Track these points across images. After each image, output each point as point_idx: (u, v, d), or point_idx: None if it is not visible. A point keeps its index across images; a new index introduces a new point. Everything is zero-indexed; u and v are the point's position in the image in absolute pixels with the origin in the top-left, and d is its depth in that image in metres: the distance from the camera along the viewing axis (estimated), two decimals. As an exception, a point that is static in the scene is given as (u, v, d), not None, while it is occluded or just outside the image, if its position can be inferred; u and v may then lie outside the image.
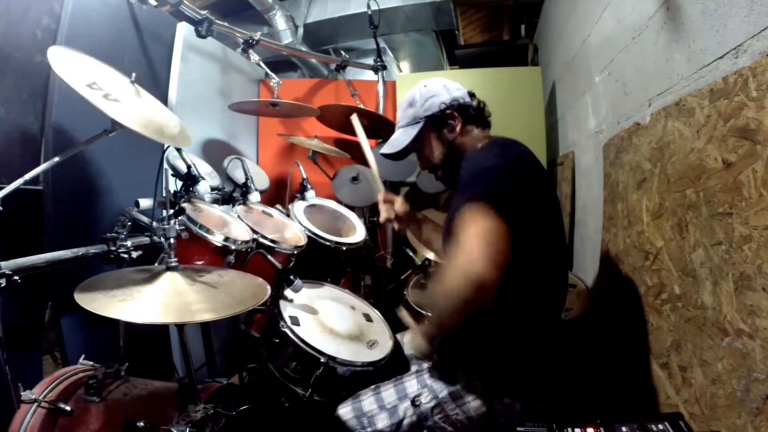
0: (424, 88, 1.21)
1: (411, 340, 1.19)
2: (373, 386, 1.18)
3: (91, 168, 1.62)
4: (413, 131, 1.20)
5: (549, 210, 1.11)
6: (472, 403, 1.07)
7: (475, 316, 1.09)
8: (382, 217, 1.40)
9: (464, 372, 1.11)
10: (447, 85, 1.21)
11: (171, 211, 1.20)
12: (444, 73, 3.87)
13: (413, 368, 1.35)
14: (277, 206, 1.97)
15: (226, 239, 1.41)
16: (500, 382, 1.08)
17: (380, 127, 2.44)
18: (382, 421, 1.10)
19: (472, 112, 1.20)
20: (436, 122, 1.19)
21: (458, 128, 1.18)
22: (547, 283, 1.11)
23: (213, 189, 1.76)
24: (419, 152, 1.26)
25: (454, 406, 1.08)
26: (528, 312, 1.08)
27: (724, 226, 0.90)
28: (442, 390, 1.10)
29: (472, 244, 0.90)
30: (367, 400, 1.14)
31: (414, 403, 1.10)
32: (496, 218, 0.92)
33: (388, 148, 1.26)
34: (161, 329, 1.83)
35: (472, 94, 1.24)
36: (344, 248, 1.86)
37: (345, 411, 1.15)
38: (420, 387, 1.12)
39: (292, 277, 1.39)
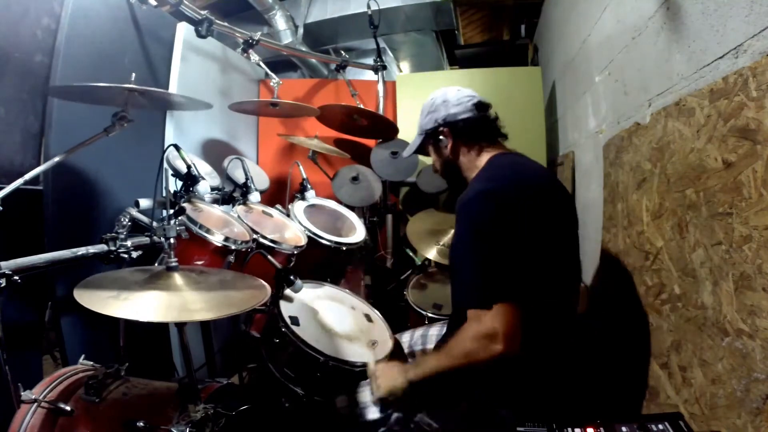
0: (430, 101, 1.25)
1: (386, 378, 1.09)
2: (369, 379, 1.19)
3: (91, 168, 1.62)
4: (417, 141, 1.30)
5: (550, 224, 1.09)
6: (460, 404, 1.08)
7: None
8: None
9: (457, 374, 1.11)
10: (448, 100, 1.21)
11: (171, 211, 1.19)
12: (444, 74, 3.87)
13: None
14: (277, 206, 1.97)
15: (226, 239, 1.41)
16: (487, 383, 1.08)
17: (380, 128, 2.45)
18: (373, 413, 1.12)
19: (468, 130, 1.20)
20: (432, 138, 1.25)
21: (449, 147, 1.22)
22: (549, 288, 1.09)
23: (213, 189, 1.76)
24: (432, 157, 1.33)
25: (441, 405, 1.09)
26: (529, 319, 1.07)
27: (724, 226, 0.90)
28: (432, 388, 1.10)
29: (491, 322, 0.95)
30: (362, 392, 1.17)
31: None
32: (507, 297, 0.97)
33: (406, 150, 1.39)
34: (161, 329, 1.83)
35: (482, 106, 1.22)
36: (344, 248, 1.86)
37: (340, 400, 1.17)
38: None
39: (292, 277, 1.39)
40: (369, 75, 2.92)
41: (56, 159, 1.20)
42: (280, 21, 3.75)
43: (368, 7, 2.54)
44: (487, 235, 1.00)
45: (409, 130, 2.53)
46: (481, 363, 0.97)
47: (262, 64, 2.47)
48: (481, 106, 1.22)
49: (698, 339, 0.98)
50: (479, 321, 0.96)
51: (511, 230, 1.00)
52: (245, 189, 1.83)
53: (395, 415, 1.10)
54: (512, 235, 1.00)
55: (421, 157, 2.44)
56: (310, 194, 2.12)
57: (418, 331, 1.46)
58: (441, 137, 1.22)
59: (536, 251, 1.03)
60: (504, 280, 0.97)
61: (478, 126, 1.21)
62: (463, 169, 1.24)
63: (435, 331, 1.44)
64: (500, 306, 0.95)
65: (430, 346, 1.39)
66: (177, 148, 1.30)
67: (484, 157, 1.20)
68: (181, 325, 1.05)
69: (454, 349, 1.01)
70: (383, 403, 1.10)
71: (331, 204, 2.20)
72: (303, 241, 1.73)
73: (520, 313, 0.96)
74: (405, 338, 1.45)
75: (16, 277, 1.02)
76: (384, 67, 2.78)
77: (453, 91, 1.23)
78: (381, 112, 2.72)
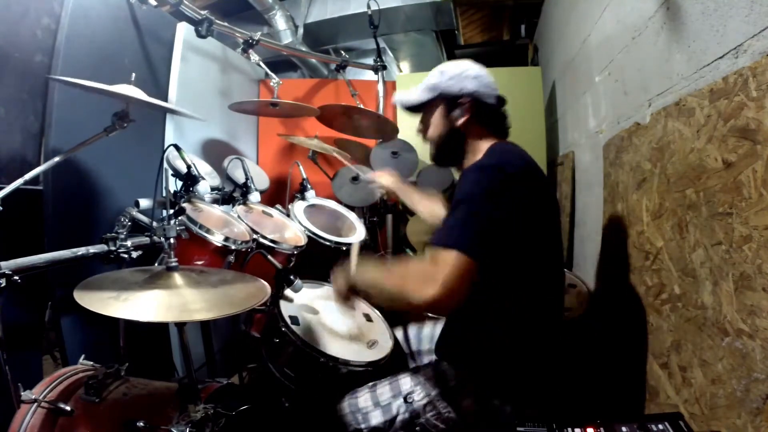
0: (457, 68, 1.20)
1: (339, 280, 1.17)
2: (370, 383, 1.19)
3: (91, 168, 1.62)
4: (425, 96, 1.21)
5: (545, 213, 1.10)
6: (464, 403, 1.08)
7: (470, 318, 1.11)
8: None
9: (458, 371, 1.11)
10: (480, 78, 1.18)
11: (171, 211, 1.19)
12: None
13: (411, 365, 1.36)
14: (277, 206, 1.96)
15: (226, 239, 1.41)
16: (492, 384, 1.08)
17: (380, 128, 2.44)
18: (376, 417, 1.10)
19: (487, 114, 1.18)
20: (448, 102, 1.18)
21: (463, 119, 1.17)
22: (543, 285, 1.10)
23: (213, 189, 1.76)
24: (423, 118, 1.26)
25: (445, 405, 1.08)
26: (523, 314, 1.07)
27: (724, 226, 0.90)
28: (435, 388, 1.10)
29: (444, 276, 0.89)
30: (363, 397, 1.15)
31: (406, 399, 1.10)
32: (471, 252, 0.92)
33: (402, 95, 1.27)
34: (161, 329, 1.83)
35: (502, 100, 1.22)
36: (344, 248, 1.86)
37: (341, 406, 1.16)
38: (413, 384, 1.13)
39: (292, 277, 1.39)
40: (369, 75, 2.92)
41: (56, 159, 1.20)
42: (280, 21, 3.75)
43: (368, 7, 2.54)
44: (485, 200, 0.97)
45: (409, 130, 2.52)
46: (409, 302, 0.94)
47: (262, 64, 2.47)
48: (501, 100, 1.22)
49: (698, 339, 0.98)
50: (429, 260, 0.93)
51: (510, 207, 0.98)
52: (245, 189, 1.83)
53: (400, 419, 1.09)
54: (510, 212, 0.98)
55: (421, 158, 2.45)
56: (310, 194, 2.12)
57: (421, 329, 1.46)
58: (459, 107, 1.17)
59: (531, 235, 1.02)
60: (476, 238, 0.93)
61: (497, 115, 1.21)
62: (467, 148, 1.20)
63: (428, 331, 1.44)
64: (457, 254, 0.90)
65: (430, 345, 1.39)
66: (177, 148, 1.30)
67: (488, 143, 1.17)
68: (181, 325, 1.05)
69: (394, 275, 1.01)
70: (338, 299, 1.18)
71: (331, 204, 2.20)
72: (303, 241, 1.73)
73: (471, 273, 0.91)
74: (399, 335, 1.46)
75: (16, 277, 1.02)
76: (384, 67, 2.77)
77: (485, 71, 1.20)
78: (381, 112, 2.72)
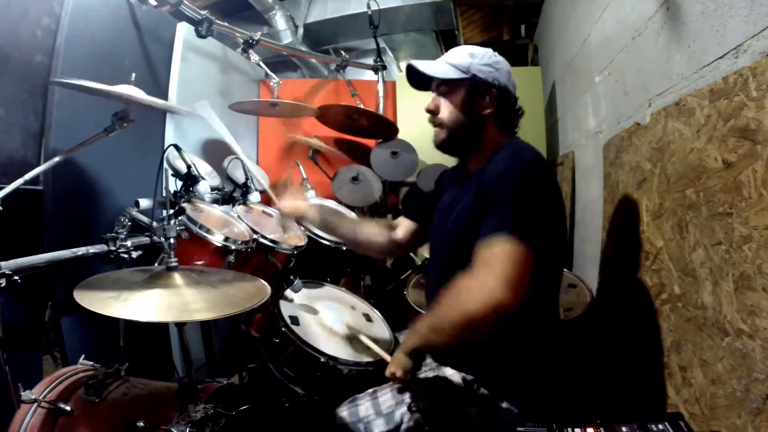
0: (494, 57, 1.14)
1: (397, 364, 1.04)
2: (371, 390, 1.16)
3: (91, 168, 1.62)
4: (454, 75, 1.11)
5: (560, 211, 1.11)
6: (470, 409, 1.07)
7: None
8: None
9: (462, 377, 1.10)
10: (511, 74, 1.16)
11: (171, 211, 1.20)
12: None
13: None
14: (278, 206, 1.97)
15: (226, 239, 1.41)
16: (499, 387, 1.07)
17: (380, 128, 2.45)
18: (379, 427, 1.08)
19: (509, 111, 1.17)
20: (477, 87, 1.11)
21: (487, 111, 1.13)
22: (548, 285, 1.11)
23: (213, 189, 1.76)
24: (442, 96, 1.16)
25: (451, 411, 1.07)
26: (527, 314, 1.07)
27: (724, 226, 0.90)
28: (439, 395, 1.09)
29: (502, 268, 0.87)
30: (364, 405, 1.13)
31: (410, 408, 1.09)
32: (525, 239, 0.90)
33: (425, 65, 1.15)
34: (161, 329, 1.83)
35: (516, 101, 1.20)
36: (344, 248, 1.86)
37: (342, 415, 1.13)
38: None
39: (292, 277, 1.39)
40: (369, 75, 2.92)
41: (56, 159, 1.20)
42: (280, 21, 3.76)
43: (368, 7, 2.54)
44: (529, 197, 0.96)
45: (409, 130, 2.53)
46: (475, 319, 0.89)
47: (262, 64, 2.47)
48: (516, 101, 1.21)
49: (698, 339, 0.98)
50: (479, 264, 0.90)
51: (546, 205, 1.01)
52: (245, 189, 1.83)
53: (404, 427, 1.07)
54: (546, 209, 1.01)
55: (421, 158, 2.45)
56: (310, 194, 2.12)
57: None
58: (487, 97, 1.12)
59: (550, 233, 1.03)
60: (525, 225, 0.91)
61: (515, 114, 1.20)
62: (483, 138, 1.15)
63: None
64: (508, 241, 0.88)
65: None
66: (177, 148, 1.30)
67: (500, 139, 1.15)
68: (181, 325, 1.05)
69: (447, 304, 0.95)
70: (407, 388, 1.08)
71: (331, 204, 2.20)
72: (303, 241, 1.73)
73: (528, 260, 0.89)
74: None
75: (16, 277, 1.02)
76: (384, 67, 2.78)
77: (510, 71, 1.17)
78: (381, 112, 2.72)
